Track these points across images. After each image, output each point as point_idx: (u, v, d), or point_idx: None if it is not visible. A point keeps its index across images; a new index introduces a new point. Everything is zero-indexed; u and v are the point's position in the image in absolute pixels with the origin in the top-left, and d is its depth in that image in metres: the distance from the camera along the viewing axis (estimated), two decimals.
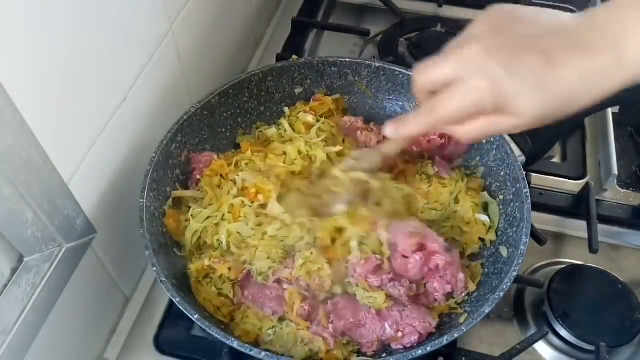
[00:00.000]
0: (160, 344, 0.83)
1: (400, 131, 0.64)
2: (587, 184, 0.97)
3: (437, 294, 0.73)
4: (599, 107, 0.97)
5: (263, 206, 0.78)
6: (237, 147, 0.90)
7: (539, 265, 0.92)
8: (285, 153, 0.85)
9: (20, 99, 0.54)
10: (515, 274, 0.69)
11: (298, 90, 0.95)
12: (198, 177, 0.83)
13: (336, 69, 0.94)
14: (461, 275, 0.74)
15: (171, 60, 0.86)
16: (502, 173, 0.83)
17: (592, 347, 0.79)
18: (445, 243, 0.75)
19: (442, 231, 0.80)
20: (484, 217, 0.81)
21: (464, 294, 0.74)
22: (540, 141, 0.92)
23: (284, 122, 0.91)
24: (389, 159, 0.81)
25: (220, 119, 0.89)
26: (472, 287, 0.74)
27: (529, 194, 0.76)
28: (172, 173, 0.81)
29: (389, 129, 0.65)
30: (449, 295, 0.74)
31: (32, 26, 0.55)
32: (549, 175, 1.02)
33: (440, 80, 0.58)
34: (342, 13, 1.35)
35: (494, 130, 0.58)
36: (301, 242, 0.75)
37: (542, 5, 1.31)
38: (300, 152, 0.84)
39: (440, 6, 1.32)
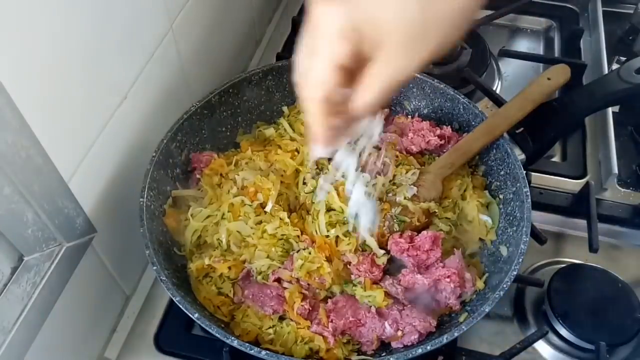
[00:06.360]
0: (160, 343, 0.83)
1: (323, 143, 0.55)
2: (587, 183, 0.97)
3: (449, 300, 0.73)
4: (599, 107, 0.97)
5: (263, 205, 0.78)
6: (237, 146, 0.90)
7: (539, 264, 0.92)
8: (297, 151, 0.85)
9: (21, 99, 0.54)
10: (515, 273, 0.69)
11: None
12: (198, 176, 0.83)
13: None
14: (467, 275, 0.74)
15: (171, 59, 0.86)
16: (502, 172, 0.83)
17: (592, 346, 0.79)
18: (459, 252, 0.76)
19: (446, 229, 0.80)
20: (486, 218, 0.81)
21: (471, 293, 0.74)
22: (541, 140, 0.92)
23: (283, 122, 0.91)
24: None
25: (220, 118, 0.89)
26: (481, 284, 0.74)
27: (529, 193, 0.76)
28: (172, 172, 0.82)
29: (316, 153, 0.57)
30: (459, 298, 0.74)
31: (32, 26, 0.55)
32: (549, 174, 1.02)
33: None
34: None
35: (384, 79, 0.48)
36: (299, 242, 0.75)
37: (543, 5, 1.33)
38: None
39: None
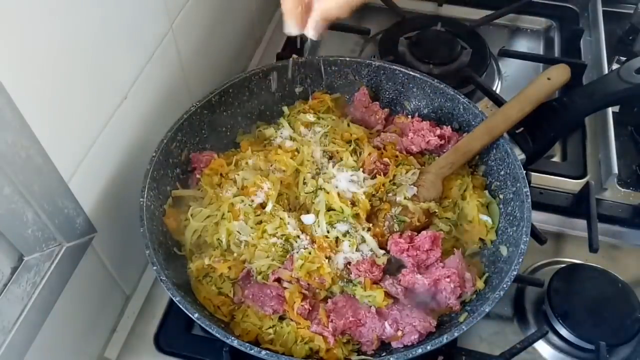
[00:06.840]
0: (160, 343, 0.83)
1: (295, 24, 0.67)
2: (587, 183, 0.97)
3: (449, 301, 0.73)
4: (599, 107, 0.97)
5: (263, 205, 0.78)
6: (237, 146, 0.90)
7: (539, 264, 0.92)
8: (297, 151, 0.85)
9: (21, 99, 0.54)
10: (515, 273, 0.69)
11: (298, 90, 0.95)
12: (198, 176, 0.83)
13: (336, 68, 0.94)
14: (467, 275, 0.74)
15: (171, 59, 0.86)
16: (502, 172, 0.83)
17: (592, 346, 0.80)
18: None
19: (446, 229, 0.80)
20: (487, 218, 0.81)
21: (471, 293, 0.74)
22: (541, 140, 0.92)
23: (284, 122, 0.91)
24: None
25: (220, 118, 0.89)
26: (481, 284, 0.74)
27: (529, 193, 0.76)
28: (172, 172, 0.82)
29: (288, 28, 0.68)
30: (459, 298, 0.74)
31: (33, 26, 0.55)
32: (549, 174, 1.02)
33: None
34: None
35: None
36: (300, 241, 0.75)
37: (543, 5, 1.33)
38: (312, 157, 0.84)
39: (440, 5, 1.32)
